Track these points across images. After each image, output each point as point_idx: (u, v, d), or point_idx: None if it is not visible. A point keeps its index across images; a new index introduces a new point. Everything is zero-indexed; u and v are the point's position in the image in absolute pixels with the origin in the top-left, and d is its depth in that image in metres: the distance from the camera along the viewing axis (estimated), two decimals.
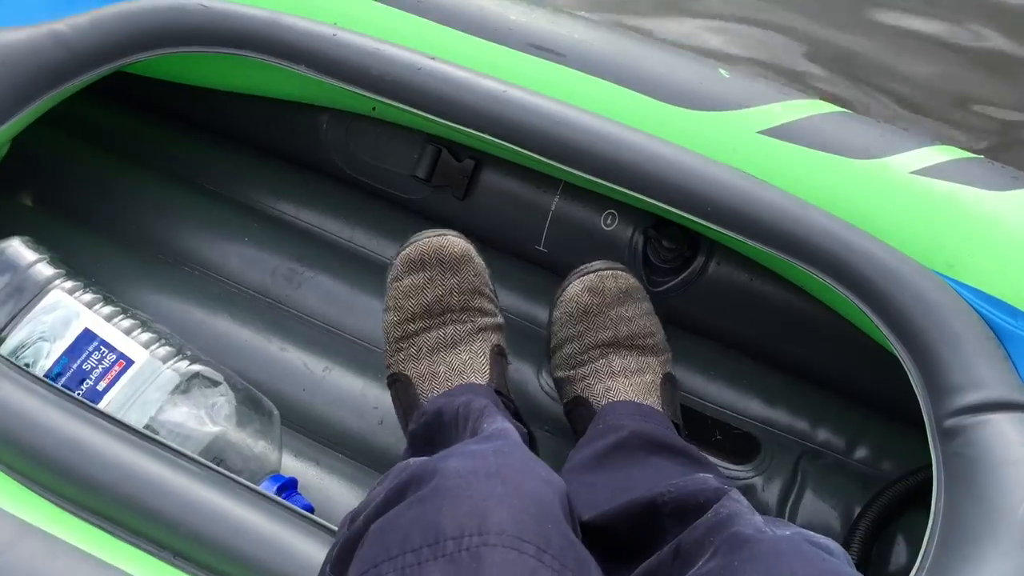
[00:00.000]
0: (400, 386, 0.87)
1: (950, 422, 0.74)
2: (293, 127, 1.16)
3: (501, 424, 0.72)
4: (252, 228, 1.11)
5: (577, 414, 0.89)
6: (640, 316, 0.91)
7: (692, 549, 0.63)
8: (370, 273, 1.09)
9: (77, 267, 1.00)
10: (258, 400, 0.91)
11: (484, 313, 0.89)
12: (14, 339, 0.83)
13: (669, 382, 0.89)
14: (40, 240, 1.01)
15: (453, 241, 0.89)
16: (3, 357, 0.77)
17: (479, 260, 0.91)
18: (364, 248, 1.12)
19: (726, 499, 0.67)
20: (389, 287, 0.89)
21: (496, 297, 0.93)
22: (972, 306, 0.79)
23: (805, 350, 1.04)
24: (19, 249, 0.87)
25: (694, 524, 0.66)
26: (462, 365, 0.85)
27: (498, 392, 0.85)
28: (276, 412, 0.91)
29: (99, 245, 1.08)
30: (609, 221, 1.05)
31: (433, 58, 0.93)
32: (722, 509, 0.65)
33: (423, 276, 0.87)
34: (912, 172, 0.86)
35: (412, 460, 0.61)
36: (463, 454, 0.60)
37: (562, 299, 0.91)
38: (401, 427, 0.89)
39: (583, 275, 0.90)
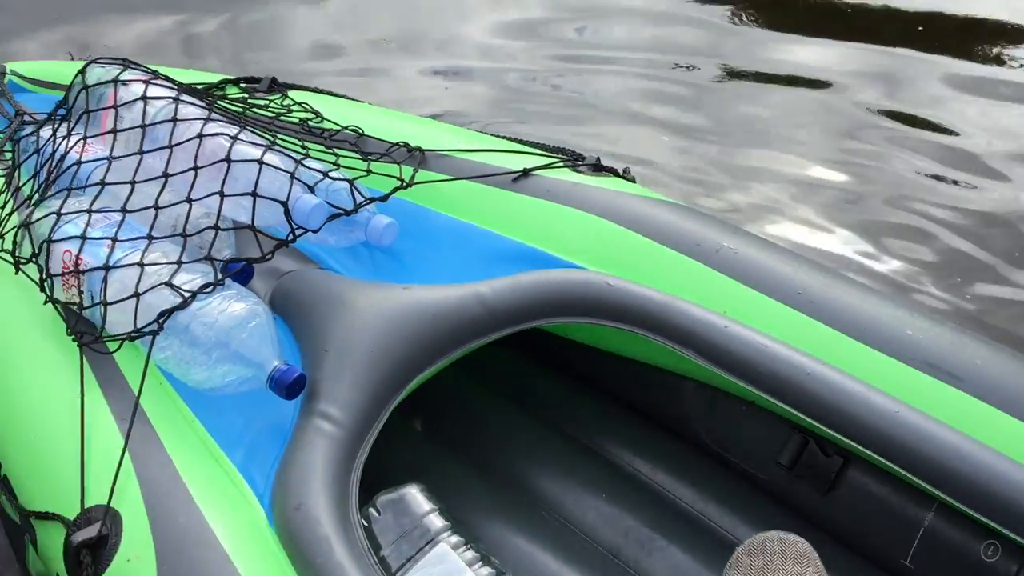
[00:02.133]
0: None
1: None
2: (657, 388, 1.21)
3: None
4: (610, 484, 1.15)
5: None
6: None
7: None
8: (718, 552, 1.08)
9: (447, 493, 1.09)
10: None
11: None
12: None
13: None
14: (420, 464, 1.12)
15: (798, 539, 0.90)
16: None
17: (822, 566, 0.89)
18: (715, 523, 1.12)
19: None
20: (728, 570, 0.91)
21: None
22: None
23: None
24: (417, 497, 0.97)
25: None
26: None
27: None
28: None
29: (469, 476, 1.18)
30: (991, 552, 0.98)
31: (824, 363, 0.94)
32: None
33: (763, 559, 0.89)
34: None
35: None
36: None
37: None
38: None
39: None
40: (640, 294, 1.04)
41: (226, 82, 1.42)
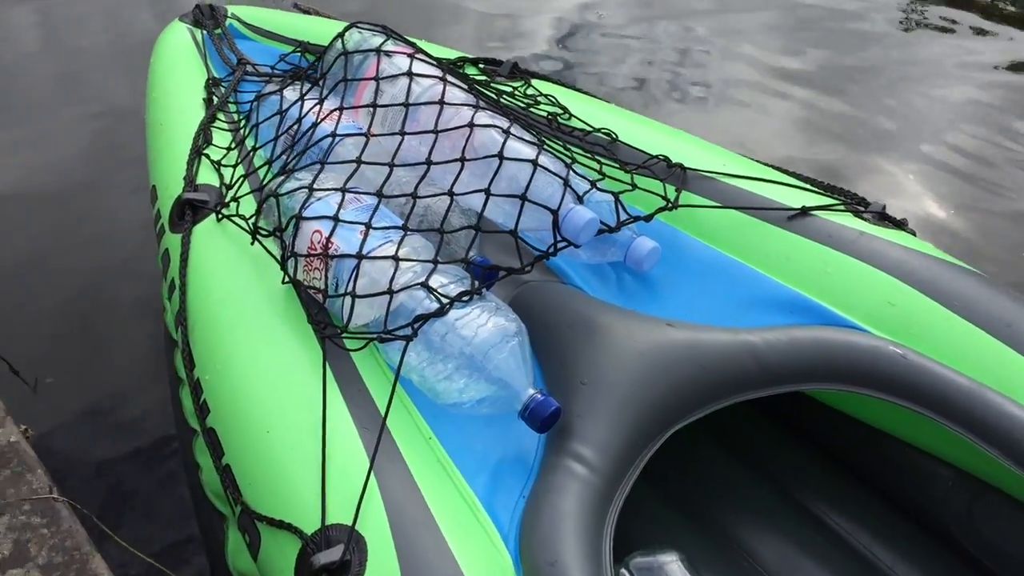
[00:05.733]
0: None
1: None
2: (908, 470, 1.08)
3: None
4: (844, 567, 1.04)
5: None
6: None
7: None
8: None
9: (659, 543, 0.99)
10: None
11: None
12: None
13: None
14: (634, 510, 1.02)
15: None
16: None
17: None
18: None
19: None
20: None
21: None
22: None
23: None
24: (676, 570, 0.86)
25: None
26: None
27: None
28: None
29: (684, 528, 1.08)
30: None
31: None
32: None
33: None
34: None
35: None
36: None
37: None
38: None
39: None
40: (942, 376, 0.91)
41: (464, 60, 1.33)
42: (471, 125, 0.98)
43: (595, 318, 0.97)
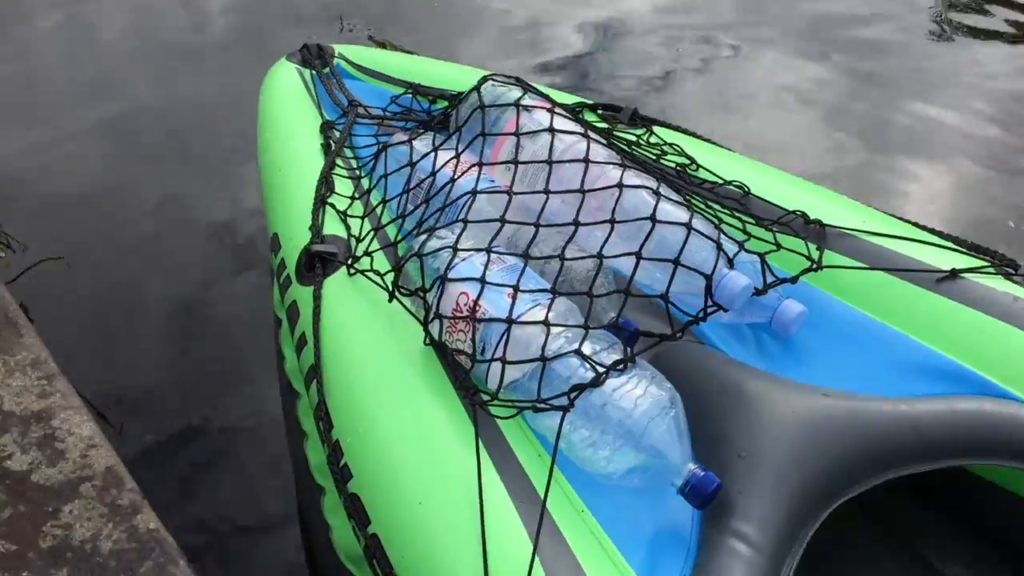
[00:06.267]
0: None
1: None
2: None
3: None
4: None
5: None
6: None
7: None
8: None
9: None
10: None
11: None
12: None
13: None
14: None
15: None
16: None
17: None
18: None
19: None
20: None
21: None
22: None
23: None
24: None
25: None
26: None
27: None
28: None
29: None
30: None
31: None
32: None
33: None
34: None
35: None
36: None
37: None
38: None
39: None
40: None
41: (583, 106, 1.31)
42: (620, 185, 0.95)
43: (747, 386, 0.94)
